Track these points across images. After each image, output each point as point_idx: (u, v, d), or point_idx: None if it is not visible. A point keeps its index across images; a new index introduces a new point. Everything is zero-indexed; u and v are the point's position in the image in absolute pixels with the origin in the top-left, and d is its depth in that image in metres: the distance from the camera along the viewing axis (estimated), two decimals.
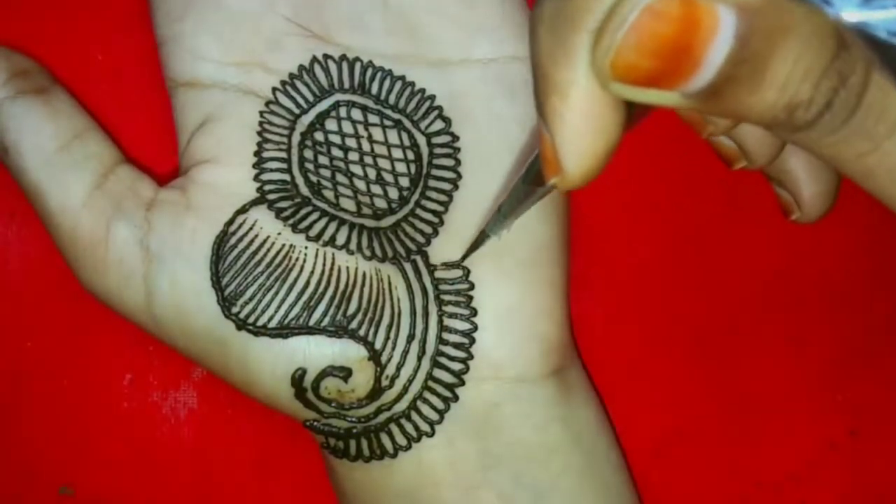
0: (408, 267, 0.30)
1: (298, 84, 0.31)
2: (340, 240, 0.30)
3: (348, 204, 0.31)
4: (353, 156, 0.31)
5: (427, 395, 0.30)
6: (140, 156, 0.34)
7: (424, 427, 0.30)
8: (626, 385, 0.35)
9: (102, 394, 0.35)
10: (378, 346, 0.29)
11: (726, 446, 0.36)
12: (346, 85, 0.31)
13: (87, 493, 0.35)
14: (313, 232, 0.30)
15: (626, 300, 0.36)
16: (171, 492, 0.35)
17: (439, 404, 0.30)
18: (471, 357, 0.30)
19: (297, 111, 0.31)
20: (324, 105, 0.31)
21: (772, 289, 0.36)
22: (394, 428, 0.30)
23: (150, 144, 0.35)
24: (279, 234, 0.30)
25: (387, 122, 0.31)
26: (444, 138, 0.31)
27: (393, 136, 0.31)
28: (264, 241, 0.30)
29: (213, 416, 0.35)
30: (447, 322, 0.30)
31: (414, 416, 0.30)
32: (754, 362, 0.36)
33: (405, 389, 0.29)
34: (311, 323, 0.29)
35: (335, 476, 0.32)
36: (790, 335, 0.36)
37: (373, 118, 0.31)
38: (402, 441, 0.30)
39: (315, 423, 0.30)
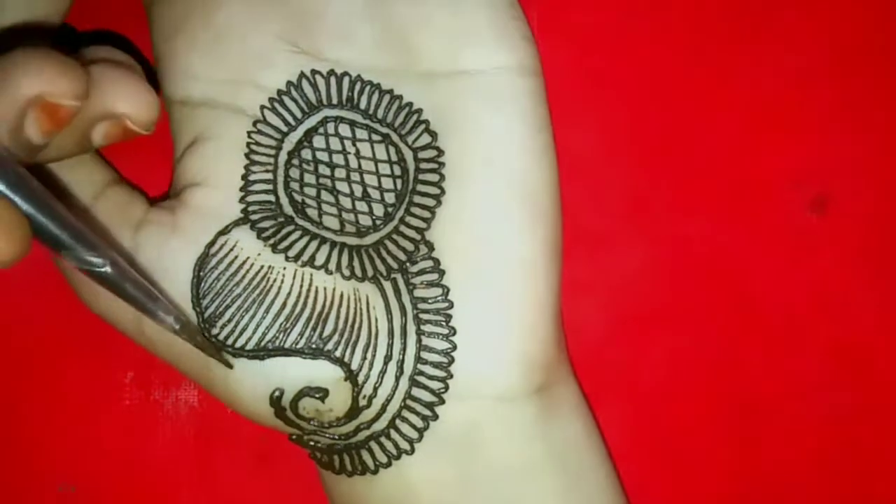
0: (387, 286, 0.30)
1: (286, 100, 0.31)
2: (320, 260, 0.30)
3: (331, 222, 0.31)
4: (340, 173, 0.31)
5: (406, 413, 0.30)
6: (141, 154, 0.34)
7: (404, 445, 0.30)
8: (626, 385, 0.35)
9: (104, 391, 0.36)
10: (354, 366, 0.29)
11: (726, 446, 0.36)
12: (335, 100, 0.31)
13: (88, 491, 0.36)
14: (293, 252, 0.30)
15: (624, 303, 0.36)
16: (172, 489, 0.36)
17: (419, 423, 0.30)
18: (450, 376, 0.30)
19: (285, 129, 0.31)
20: (312, 121, 0.31)
21: (772, 288, 0.36)
22: (374, 445, 0.30)
23: (151, 143, 0.35)
24: (259, 254, 0.30)
25: (375, 137, 0.31)
26: (430, 153, 0.31)
27: (381, 152, 0.31)
28: (244, 263, 0.30)
29: (213, 414, 0.36)
30: (426, 341, 0.30)
31: (393, 434, 0.30)
32: (754, 362, 0.36)
33: (383, 409, 0.30)
34: (287, 344, 0.29)
35: (325, 484, 0.33)
36: (790, 335, 0.36)
37: (361, 133, 0.31)
38: (382, 458, 0.30)
39: (299, 438, 0.30)
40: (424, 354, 0.30)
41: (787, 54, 0.35)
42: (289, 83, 0.31)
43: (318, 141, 0.31)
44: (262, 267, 0.30)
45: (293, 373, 0.29)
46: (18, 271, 0.35)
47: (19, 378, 0.36)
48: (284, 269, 0.30)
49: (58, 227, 0.26)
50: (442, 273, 0.30)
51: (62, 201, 0.26)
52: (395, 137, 0.31)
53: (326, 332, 0.29)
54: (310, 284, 0.30)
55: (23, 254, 0.25)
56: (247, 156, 0.31)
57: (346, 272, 0.30)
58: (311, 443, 0.31)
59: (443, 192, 0.30)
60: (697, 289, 0.36)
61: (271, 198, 0.30)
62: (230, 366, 0.29)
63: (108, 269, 0.27)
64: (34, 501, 0.35)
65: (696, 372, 0.36)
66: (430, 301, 0.30)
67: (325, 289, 0.30)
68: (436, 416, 0.30)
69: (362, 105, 0.31)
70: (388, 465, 0.30)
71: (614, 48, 0.36)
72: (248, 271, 0.30)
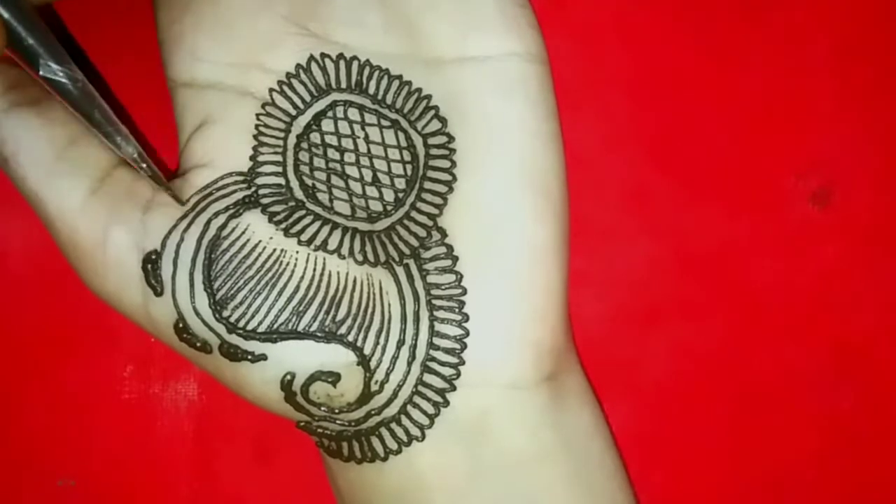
0: (400, 271, 0.30)
1: (295, 83, 0.31)
2: (332, 244, 0.30)
3: (342, 207, 0.30)
4: (350, 157, 0.31)
5: (417, 399, 0.29)
6: (143, 139, 0.34)
7: (415, 431, 0.29)
8: (627, 376, 0.35)
9: (103, 385, 0.35)
10: (367, 351, 0.29)
11: (727, 446, 0.36)
12: (344, 84, 0.31)
13: (87, 485, 0.35)
14: (305, 236, 0.30)
15: (627, 296, 0.36)
16: (172, 483, 0.36)
17: (430, 409, 0.29)
18: (462, 363, 0.29)
19: (293, 112, 0.31)
20: (321, 105, 0.31)
21: (774, 280, 0.36)
22: (384, 432, 0.30)
23: (152, 140, 0.35)
24: (271, 238, 0.30)
25: (384, 122, 0.31)
26: (440, 139, 0.31)
27: (390, 137, 0.31)
28: (256, 245, 0.29)
29: (213, 407, 0.36)
30: (438, 327, 0.29)
31: (404, 420, 0.30)
32: (756, 354, 0.36)
33: (395, 394, 0.29)
34: (300, 328, 0.29)
35: (331, 473, 0.32)
36: (792, 326, 0.36)
37: (370, 118, 0.31)
38: (392, 445, 0.30)
39: (307, 425, 0.30)
40: (437, 340, 0.29)
41: (790, 46, 0.36)
42: (298, 66, 0.31)
43: (327, 125, 0.31)
44: (274, 250, 0.29)
45: (305, 357, 0.29)
46: (18, 268, 0.35)
47: (19, 372, 0.35)
48: (297, 252, 0.29)
49: (35, 38, 0.26)
50: (455, 259, 0.30)
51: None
52: (404, 123, 0.31)
53: (340, 316, 0.29)
54: (323, 268, 0.29)
55: None
56: (255, 138, 0.31)
57: (359, 257, 0.30)
58: (320, 430, 0.30)
59: (454, 178, 0.30)
60: (699, 281, 0.36)
61: (281, 181, 0.30)
62: (179, 200, 0.30)
63: (79, 85, 0.27)
64: (34, 495, 0.35)
65: (698, 364, 0.36)
66: (443, 287, 0.30)
67: (338, 273, 0.30)
68: (447, 403, 0.29)
69: (371, 90, 0.31)
70: (399, 451, 0.30)
71: (616, 40, 0.36)
72: (260, 254, 0.29)
